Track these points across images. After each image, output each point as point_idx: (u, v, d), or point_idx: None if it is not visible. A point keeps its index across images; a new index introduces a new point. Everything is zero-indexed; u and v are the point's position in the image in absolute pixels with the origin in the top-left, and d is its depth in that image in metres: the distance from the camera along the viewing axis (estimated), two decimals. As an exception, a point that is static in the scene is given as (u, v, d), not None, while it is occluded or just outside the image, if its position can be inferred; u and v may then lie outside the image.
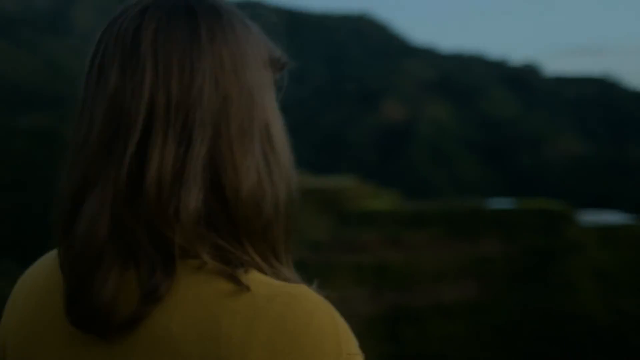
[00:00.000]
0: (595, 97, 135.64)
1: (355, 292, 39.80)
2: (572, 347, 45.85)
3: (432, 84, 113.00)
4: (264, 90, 0.81)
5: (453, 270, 51.81)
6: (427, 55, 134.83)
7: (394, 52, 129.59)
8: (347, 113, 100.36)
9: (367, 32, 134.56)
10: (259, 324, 0.73)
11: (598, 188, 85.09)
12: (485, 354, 45.34)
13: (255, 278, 0.76)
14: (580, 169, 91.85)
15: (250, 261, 0.79)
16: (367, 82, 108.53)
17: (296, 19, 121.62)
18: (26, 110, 42.30)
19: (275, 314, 0.74)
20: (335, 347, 0.75)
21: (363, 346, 0.83)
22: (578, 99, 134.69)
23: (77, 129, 0.79)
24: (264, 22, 0.87)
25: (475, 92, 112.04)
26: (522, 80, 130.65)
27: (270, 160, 0.81)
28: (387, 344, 40.24)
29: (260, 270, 0.79)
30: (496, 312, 49.84)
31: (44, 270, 0.88)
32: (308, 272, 0.87)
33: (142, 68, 0.74)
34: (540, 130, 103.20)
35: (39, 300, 0.84)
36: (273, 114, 0.82)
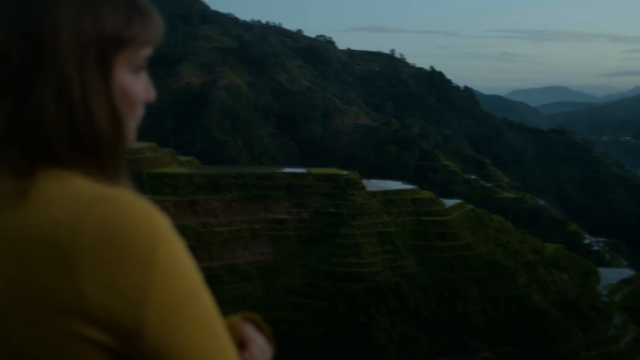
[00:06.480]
0: (381, 72, 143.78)
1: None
2: (358, 304, 48.31)
3: (229, 51, 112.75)
4: None
5: (247, 234, 52.86)
6: (226, 23, 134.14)
7: (193, 17, 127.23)
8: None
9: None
10: (81, 228, 0.77)
11: (381, 158, 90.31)
12: (279, 313, 46.58)
13: (75, 183, 0.84)
14: (366, 140, 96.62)
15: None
16: (165, 47, 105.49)
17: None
18: None
19: (95, 218, 0.78)
20: (150, 247, 0.79)
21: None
22: (365, 74, 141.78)
23: None
24: None
25: (271, 62, 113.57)
26: (316, 53, 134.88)
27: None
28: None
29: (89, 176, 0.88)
30: (289, 273, 51.56)
31: None
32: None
33: None
34: (331, 101, 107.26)
35: None
36: None
